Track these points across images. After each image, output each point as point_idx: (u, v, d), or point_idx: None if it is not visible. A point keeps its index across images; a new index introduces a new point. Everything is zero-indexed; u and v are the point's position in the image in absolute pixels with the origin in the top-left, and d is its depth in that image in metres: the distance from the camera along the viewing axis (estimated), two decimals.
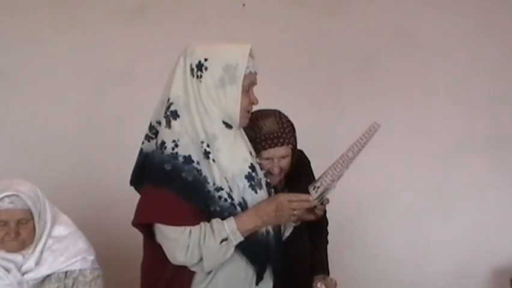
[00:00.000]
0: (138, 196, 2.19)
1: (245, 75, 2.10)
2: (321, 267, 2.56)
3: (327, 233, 2.68)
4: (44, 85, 3.62)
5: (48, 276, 2.29)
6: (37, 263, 2.28)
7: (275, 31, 3.72)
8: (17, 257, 2.28)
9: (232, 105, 2.10)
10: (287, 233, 2.33)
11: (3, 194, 2.22)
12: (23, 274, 2.27)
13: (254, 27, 3.64)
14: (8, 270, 2.26)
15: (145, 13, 3.69)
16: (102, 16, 3.65)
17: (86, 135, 3.64)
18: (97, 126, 3.66)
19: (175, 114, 2.10)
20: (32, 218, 2.27)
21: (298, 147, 2.47)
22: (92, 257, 2.36)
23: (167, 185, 2.04)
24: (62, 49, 3.63)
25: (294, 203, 2.11)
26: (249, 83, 2.13)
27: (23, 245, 2.28)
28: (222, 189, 2.08)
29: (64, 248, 2.32)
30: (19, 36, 3.59)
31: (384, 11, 3.89)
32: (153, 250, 2.14)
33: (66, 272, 2.30)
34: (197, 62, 2.10)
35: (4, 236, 2.24)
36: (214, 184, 2.07)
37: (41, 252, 2.29)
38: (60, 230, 2.35)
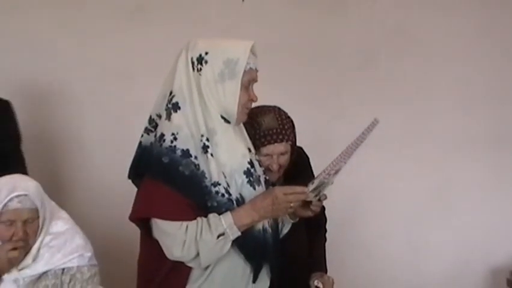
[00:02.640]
0: (135, 191, 2.18)
1: (245, 71, 2.09)
2: (319, 264, 2.55)
3: (326, 231, 2.67)
4: (44, 85, 3.62)
5: (45, 272, 2.28)
6: (34, 259, 2.27)
7: (275, 29, 3.72)
8: None
9: (231, 100, 2.10)
10: (285, 230, 2.32)
11: (13, 194, 2.21)
12: (19, 271, 2.26)
13: (254, 25, 3.64)
14: None
15: (145, 13, 3.69)
16: (102, 16, 3.65)
17: (86, 134, 3.64)
18: (97, 126, 3.66)
19: (176, 107, 2.09)
20: (38, 217, 2.26)
21: (298, 144, 2.47)
22: (89, 254, 2.35)
23: (164, 179, 2.03)
24: (62, 49, 3.63)
25: (289, 196, 2.09)
26: (249, 79, 2.12)
27: (27, 247, 2.27)
28: (219, 184, 2.07)
29: (61, 244, 2.31)
30: (19, 37, 3.59)
31: (384, 10, 3.90)
32: (150, 245, 2.14)
33: (63, 269, 2.29)
34: (198, 55, 2.10)
35: (12, 236, 2.23)
36: (211, 179, 2.06)
37: (38, 248, 2.28)
38: (57, 226, 2.34)
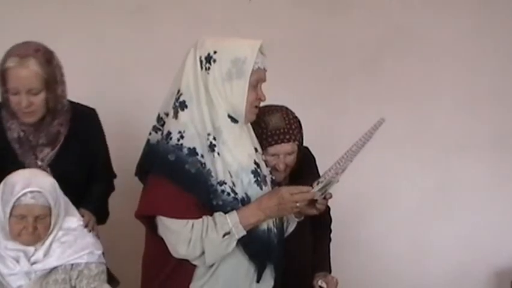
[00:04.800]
0: (141, 188, 2.20)
1: (253, 70, 2.10)
2: (323, 264, 2.55)
3: (330, 231, 2.68)
4: None
5: (56, 267, 2.29)
6: (46, 254, 2.28)
7: (280, 27, 3.69)
8: (28, 248, 2.28)
9: (238, 99, 2.11)
10: (290, 229, 2.33)
11: (27, 189, 2.21)
12: (31, 264, 2.27)
13: (260, 23, 3.61)
14: (17, 260, 2.26)
15: (148, 10, 3.65)
16: (102, 16, 3.64)
17: None
18: None
19: (183, 105, 2.11)
20: (50, 214, 2.26)
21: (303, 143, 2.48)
22: (99, 252, 2.36)
23: (170, 176, 2.05)
24: (62, 49, 3.60)
25: (295, 196, 2.11)
26: (257, 78, 2.13)
27: (38, 239, 2.28)
28: (225, 183, 2.09)
29: (72, 240, 2.32)
30: (19, 37, 3.58)
31: (389, 9, 3.87)
32: (155, 243, 2.16)
33: (72, 264, 2.30)
34: (206, 54, 2.11)
35: (22, 230, 2.24)
36: (217, 178, 2.08)
37: (51, 243, 2.29)
38: (70, 223, 2.35)
